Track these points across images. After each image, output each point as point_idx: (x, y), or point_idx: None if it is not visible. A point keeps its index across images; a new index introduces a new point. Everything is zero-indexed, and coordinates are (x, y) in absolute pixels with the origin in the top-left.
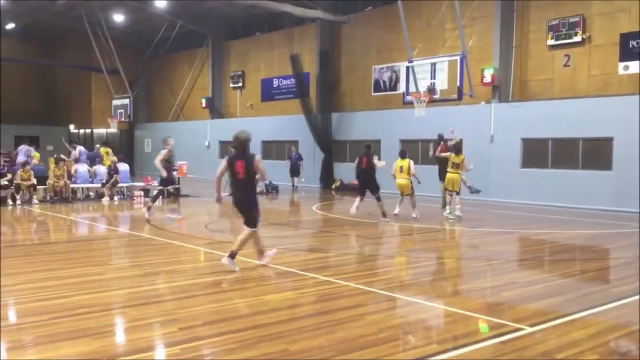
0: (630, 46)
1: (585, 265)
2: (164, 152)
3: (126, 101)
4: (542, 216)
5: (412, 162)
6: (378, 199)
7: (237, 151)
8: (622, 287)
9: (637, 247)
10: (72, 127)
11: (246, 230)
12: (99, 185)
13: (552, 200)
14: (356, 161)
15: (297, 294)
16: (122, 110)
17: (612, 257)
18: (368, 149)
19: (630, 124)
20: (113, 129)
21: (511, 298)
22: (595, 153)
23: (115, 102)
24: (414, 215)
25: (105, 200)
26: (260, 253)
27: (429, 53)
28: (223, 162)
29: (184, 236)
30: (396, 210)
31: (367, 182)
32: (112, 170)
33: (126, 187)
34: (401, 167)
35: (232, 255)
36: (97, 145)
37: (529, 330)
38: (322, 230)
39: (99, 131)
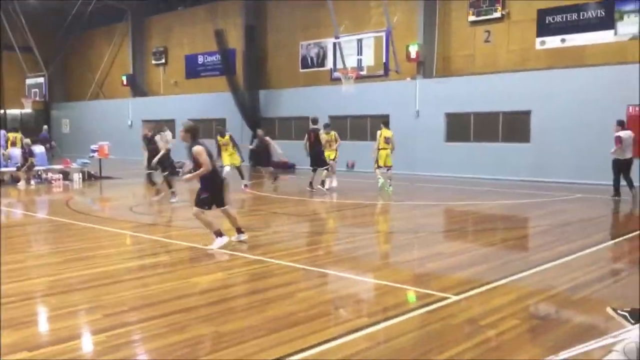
0: (547, 22)
1: (506, 234)
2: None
3: (41, 80)
4: (466, 188)
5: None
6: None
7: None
8: (540, 254)
9: (553, 216)
10: None
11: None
12: (14, 169)
13: (476, 173)
14: (305, 137)
15: (227, 274)
16: (37, 90)
17: (531, 226)
18: (314, 123)
19: (547, 98)
20: (27, 109)
21: (437, 268)
22: (514, 126)
23: (29, 81)
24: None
25: (21, 184)
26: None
27: (356, 29)
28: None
29: (107, 220)
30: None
31: (318, 155)
32: (27, 153)
33: (43, 170)
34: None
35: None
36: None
37: (454, 298)
38: (251, 210)
39: (13, 112)
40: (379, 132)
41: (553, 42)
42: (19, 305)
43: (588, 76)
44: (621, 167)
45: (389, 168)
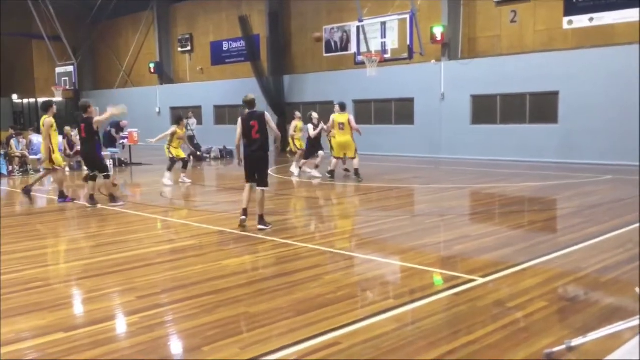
0: (574, 1)
1: (534, 216)
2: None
3: (70, 68)
4: (492, 171)
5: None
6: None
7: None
8: (568, 236)
9: (582, 197)
10: (15, 97)
11: (259, 191)
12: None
13: (502, 155)
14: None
15: (255, 257)
16: (67, 78)
17: (559, 208)
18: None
19: (575, 78)
20: (58, 98)
21: (464, 251)
22: (541, 107)
23: (59, 70)
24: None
25: (67, 171)
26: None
27: (379, 12)
28: (238, 124)
29: (138, 205)
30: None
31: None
32: (72, 141)
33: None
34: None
35: (261, 219)
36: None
37: (481, 281)
38: (278, 194)
39: (44, 100)
40: (332, 117)
41: (581, 21)
42: (53, 288)
43: (617, 55)
44: None
45: (352, 158)
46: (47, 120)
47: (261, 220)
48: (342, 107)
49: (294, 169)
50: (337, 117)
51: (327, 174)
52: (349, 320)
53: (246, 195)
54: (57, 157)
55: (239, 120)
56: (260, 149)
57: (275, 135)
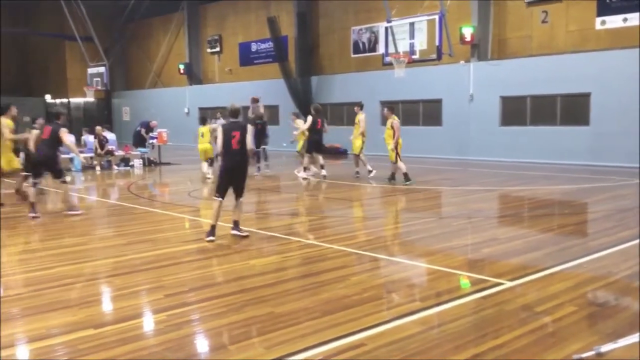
0: (608, 1)
1: (564, 219)
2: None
3: (102, 69)
4: (522, 173)
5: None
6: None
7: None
8: (599, 240)
9: (613, 201)
10: (48, 97)
11: (239, 200)
12: (90, 155)
13: (531, 157)
14: (310, 122)
15: (282, 257)
16: (99, 79)
17: (590, 211)
18: (318, 112)
19: (607, 79)
20: (90, 98)
21: (491, 254)
22: (573, 109)
23: (91, 71)
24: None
25: (98, 170)
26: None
27: (408, 13)
28: (219, 132)
29: (167, 204)
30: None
31: (320, 141)
32: (103, 140)
33: (116, 156)
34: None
35: (237, 225)
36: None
37: (509, 284)
38: (304, 195)
39: (76, 100)
40: (363, 116)
41: (614, 21)
42: (84, 285)
43: None
44: None
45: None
46: (3, 121)
47: (237, 227)
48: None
49: (301, 172)
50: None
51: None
52: (375, 321)
53: (217, 211)
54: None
55: (219, 129)
56: (241, 159)
57: (249, 150)
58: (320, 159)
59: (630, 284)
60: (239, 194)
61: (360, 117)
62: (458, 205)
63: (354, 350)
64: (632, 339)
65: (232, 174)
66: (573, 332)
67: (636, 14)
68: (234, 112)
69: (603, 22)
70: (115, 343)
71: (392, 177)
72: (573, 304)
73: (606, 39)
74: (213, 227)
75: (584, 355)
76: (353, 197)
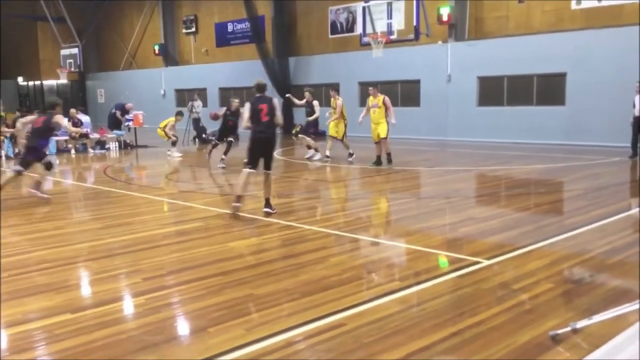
0: None
1: (540, 198)
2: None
3: (75, 50)
4: (499, 153)
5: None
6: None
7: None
8: (574, 218)
9: (588, 180)
10: (20, 79)
11: (266, 174)
12: (65, 138)
13: (509, 137)
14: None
15: (262, 239)
16: (72, 60)
17: (566, 190)
18: (312, 95)
19: (583, 59)
20: (63, 80)
21: (469, 233)
22: (549, 89)
23: (64, 52)
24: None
25: (73, 153)
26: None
27: None
28: (246, 107)
29: (144, 187)
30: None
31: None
32: (78, 123)
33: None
34: None
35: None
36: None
37: (486, 263)
38: (283, 176)
39: (49, 83)
40: (340, 101)
41: (589, 1)
42: (61, 269)
43: (626, 36)
44: None
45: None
46: None
47: (268, 204)
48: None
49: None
50: (371, 100)
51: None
52: (354, 302)
53: (245, 181)
54: None
55: (247, 104)
56: (269, 130)
57: (277, 123)
58: (311, 141)
59: (605, 261)
60: (267, 166)
61: (338, 102)
62: (436, 185)
63: (334, 330)
64: (606, 315)
65: (262, 145)
66: (549, 309)
67: None
68: (260, 87)
69: (578, 2)
70: (93, 327)
71: (379, 161)
72: (549, 281)
73: (581, 18)
74: (239, 197)
75: (560, 331)
76: (332, 179)
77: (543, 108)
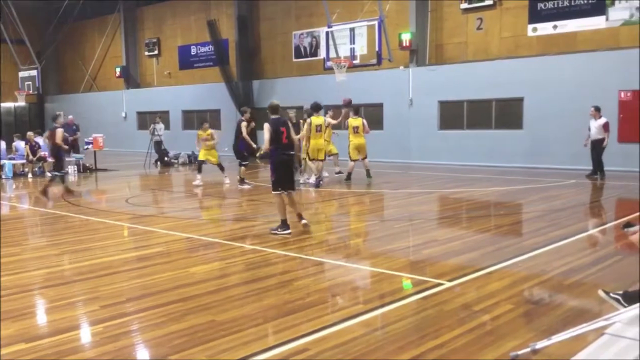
0: (539, 8)
1: (500, 220)
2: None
3: (34, 72)
4: (460, 175)
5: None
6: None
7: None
8: (533, 240)
9: (546, 201)
10: None
11: (293, 193)
12: (22, 162)
13: (469, 160)
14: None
15: (224, 264)
16: (30, 82)
17: (525, 212)
18: (296, 116)
19: (539, 84)
20: (21, 103)
21: (432, 255)
22: (507, 113)
23: (22, 74)
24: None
25: (30, 177)
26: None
27: (348, 18)
28: (267, 128)
29: (103, 212)
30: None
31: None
32: (35, 146)
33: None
34: None
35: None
36: None
37: (448, 284)
38: (247, 200)
39: (7, 105)
40: (308, 120)
41: (545, 28)
42: (17, 297)
43: (580, 62)
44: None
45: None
46: None
47: (301, 217)
48: (356, 112)
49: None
50: (351, 121)
51: (345, 179)
52: (318, 326)
53: (283, 204)
54: None
55: (266, 125)
56: (290, 152)
57: (295, 144)
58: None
59: (563, 281)
60: (291, 186)
61: (307, 121)
62: (400, 207)
63: (297, 356)
64: (565, 334)
65: (286, 167)
66: (510, 329)
67: (565, 22)
68: (274, 109)
69: (535, 29)
70: (49, 357)
71: (348, 177)
72: (509, 302)
73: (538, 45)
74: (284, 221)
75: (521, 352)
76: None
77: (502, 132)
